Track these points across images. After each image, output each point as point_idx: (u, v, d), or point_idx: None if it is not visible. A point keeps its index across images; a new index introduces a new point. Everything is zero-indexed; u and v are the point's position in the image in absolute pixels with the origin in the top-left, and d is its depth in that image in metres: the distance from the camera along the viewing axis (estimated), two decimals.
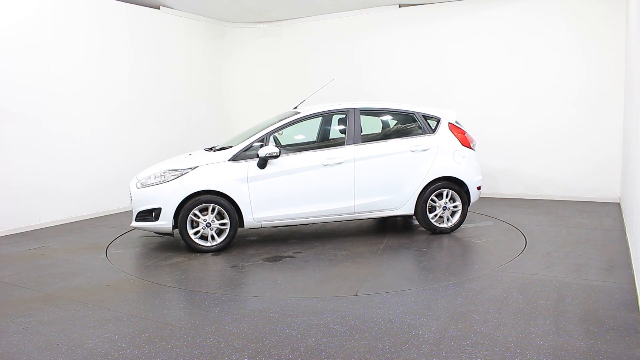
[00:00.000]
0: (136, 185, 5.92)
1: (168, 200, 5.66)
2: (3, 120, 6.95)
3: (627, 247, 5.44)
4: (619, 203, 8.02)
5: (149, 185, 5.80)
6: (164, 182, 5.75)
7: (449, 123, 6.40)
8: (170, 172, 5.80)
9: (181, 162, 5.94)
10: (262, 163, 5.78)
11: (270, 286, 4.62)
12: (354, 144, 6.08)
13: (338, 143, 6.16)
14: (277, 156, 5.76)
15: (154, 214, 5.72)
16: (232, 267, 5.28)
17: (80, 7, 7.87)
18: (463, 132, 6.44)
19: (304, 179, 5.91)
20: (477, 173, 6.47)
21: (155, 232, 6.08)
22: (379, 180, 6.09)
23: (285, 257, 5.58)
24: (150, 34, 9.08)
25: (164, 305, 4.18)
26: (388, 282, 4.58)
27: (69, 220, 7.75)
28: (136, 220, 5.85)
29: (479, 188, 6.49)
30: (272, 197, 5.83)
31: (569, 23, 8.32)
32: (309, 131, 6.79)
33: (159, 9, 9.23)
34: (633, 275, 4.51)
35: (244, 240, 6.43)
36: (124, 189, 8.48)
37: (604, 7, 8.05)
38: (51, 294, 4.50)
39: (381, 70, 9.83)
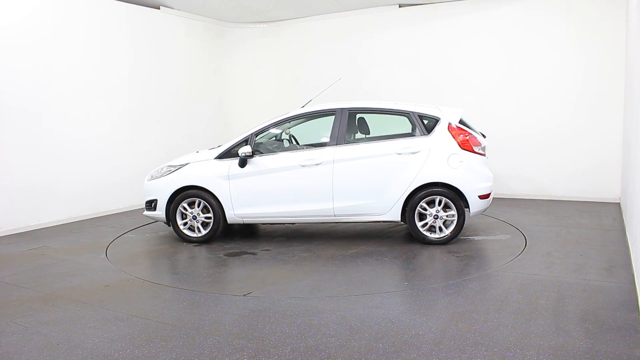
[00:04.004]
0: (147, 178, 6.56)
1: (162, 192, 6.27)
2: (3, 120, 6.94)
3: (627, 247, 5.44)
4: (619, 203, 8.02)
5: (153, 179, 6.43)
6: (161, 176, 6.36)
7: (449, 124, 5.84)
8: (167, 167, 6.42)
9: (178, 159, 6.54)
10: (242, 162, 6.02)
11: (183, 277, 5.03)
12: (336, 145, 5.95)
13: (321, 144, 6.13)
14: (250, 156, 5.99)
15: (153, 204, 6.36)
16: (191, 257, 5.72)
17: (80, 7, 7.86)
18: (465, 134, 5.82)
19: (282, 179, 5.98)
20: (482, 180, 5.82)
21: (163, 222, 6.47)
22: (360, 184, 5.84)
23: (249, 253, 5.80)
24: (150, 34, 9.08)
25: (164, 305, 4.18)
26: (291, 289, 4.48)
27: (69, 220, 7.75)
28: (145, 209, 6.50)
29: (483, 197, 5.81)
30: (250, 195, 6.04)
31: (569, 22, 8.33)
32: (307, 131, 6.79)
33: (159, 9, 9.23)
34: (633, 275, 4.51)
35: (242, 234, 6.63)
36: (123, 189, 8.54)
37: (604, 7, 8.05)
38: (51, 294, 4.50)
39: (382, 70, 9.82)
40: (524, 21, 8.63)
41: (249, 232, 6.85)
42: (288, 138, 6.63)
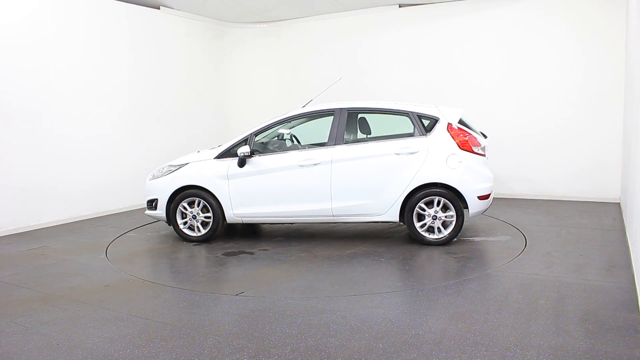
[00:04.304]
0: (149, 178, 6.61)
1: (162, 192, 6.32)
2: (3, 120, 6.94)
3: (627, 247, 5.44)
4: (619, 203, 8.02)
5: (154, 179, 6.48)
6: (162, 176, 6.40)
7: (449, 124, 5.78)
8: (168, 167, 6.47)
9: (178, 159, 6.58)
10: (241, 162, 6.04)
11: (178, 276, 5.12)
12: (334, 145, 5.93)
13: (320, 144, 6.13)
14: (249, 156, 6.02)
15: (153, 203, 6.41)
16: (189, 257, 5.77)
17: (80, 7, 7.86)
18: (465, 135, 5.75)
19: (280, 179, 5.99)
20: (481, 181, 5.76)
21: (165, 221, 6.52)
22: (358, 184, 5.81)
23: (247, 253, 5.82)
24: (150, 34, 9.08)
25: (164, 305, 4.18)
26: (283, 289, 4.48)
27: (69, 220, 7.75)
28: (146, 208, 6.55)
29: (483, 197, 5.74)
30: (249, 195, 6.07)
31: (569, 22, 8.33)
32: (308, 131, 6.80)
33: (159, 9, 9.23)
34: (633, 275, 4.51)
35: (242, 233, 6.68)
36: (124, 189, 8.54)
37: (604, 7, 8.06)
38: (51, 294, 4.50)
39: (382, 70, 9.82)
40: (524, 21, 8.63)
41: (250, 232, 6.85)
42: (289, 138, 6.64)
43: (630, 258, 5.03)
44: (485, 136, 6.35)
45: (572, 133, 8.43)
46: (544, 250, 5.47)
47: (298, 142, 6.71)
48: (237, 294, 4.38)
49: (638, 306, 3.80)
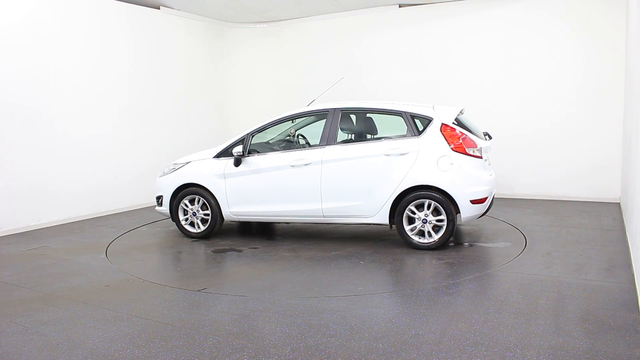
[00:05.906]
0: (159, 175, 6.81)
1: (166, 189, 6.54)
2: (3, 120, 6.94)
3: (627, 247, 5.44)
4: (619, 203, 8.02)
5: (163, 175, 6.68)
6: (167, 174, 6.62)
7: (442, 124, 5.53)
8: (173, 165, 6.68)
9: (183, 158, 6.76)
10: (237, 161, 6.13)
11: (159, 271, 5.32)
12: (326, 145, 5.88)
13: (313, 144, 6.15)
14: (243, 155, 6.12)
15: (160, 200, 6.66)
16: (182, 253, 5.95)
17: (80, 7, 7.86)
18: (458, 136, 5.49)
19: (272, 178, 6.04)
20: (475, 184, 5.48)
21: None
22: (347, 185, 5.74)
23: (236, 250, 5.94)
24: (150, 34, 9.07)
25: (164, 305, 4.18)
26: (244, 287, 4.55)
27: (69, 220, 7.74)
28: (156, 204, 6.80)
29: (476, 202, 5.48)
30: (244, 194, 6.18)
31: (569, 22, 8.32)
32: (314, 131, 6.79)
33: (159, 9, 9.22)
34: (633, 275, 4.51)
35: (243, 231, 6.84)
36: (124, 189, 8.55)
37: (604, 7, 8.06)
38: (51, 294, 4.50)
39: (382, 70, 9.82)
40: (524, 21, 8.63)
41: (256, 230, 6.95)
42: (294, 138, 6.63)
43: (630, 258, 5.03)
44: (490, 137, 6.26)
45: (572, 133, 8.43)
46: (544, 250, 5.47)
47: (307, 142, 6.71)
48: (199, 290, 4.48)
49: (638, 306, 3.80)
